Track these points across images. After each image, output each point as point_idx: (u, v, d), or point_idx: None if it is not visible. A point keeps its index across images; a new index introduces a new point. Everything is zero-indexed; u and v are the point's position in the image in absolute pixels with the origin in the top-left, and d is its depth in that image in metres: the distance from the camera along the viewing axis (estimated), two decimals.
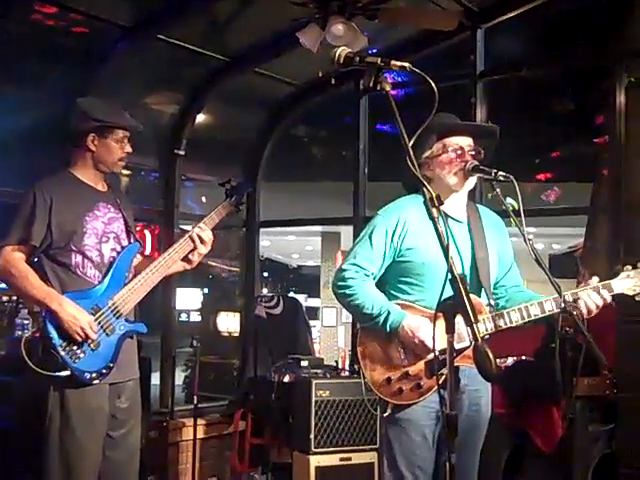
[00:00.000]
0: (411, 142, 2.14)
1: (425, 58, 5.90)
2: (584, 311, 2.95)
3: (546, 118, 11.13)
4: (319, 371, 5.53)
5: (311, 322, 16.90)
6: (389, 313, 2.98)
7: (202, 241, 3.49)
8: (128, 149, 3.43)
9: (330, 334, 15.34)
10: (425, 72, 2.22)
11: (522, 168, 11.49)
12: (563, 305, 2.91)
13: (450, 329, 1.99)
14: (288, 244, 17.46)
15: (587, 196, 7.14)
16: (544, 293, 3.06)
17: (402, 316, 2.97)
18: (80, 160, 3.41)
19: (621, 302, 3.05)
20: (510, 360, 5.01)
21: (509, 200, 2.94)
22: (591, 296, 2.96)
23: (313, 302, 18.63)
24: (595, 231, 6.26)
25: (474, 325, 1.86)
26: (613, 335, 4.56)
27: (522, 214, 2.89)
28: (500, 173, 2.93)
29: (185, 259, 3.53)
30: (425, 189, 2.06)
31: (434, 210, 2.04)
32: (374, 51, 5.69)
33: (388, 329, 2.98)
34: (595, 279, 3.02)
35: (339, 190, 8.32)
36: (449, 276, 1.96)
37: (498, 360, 5.05)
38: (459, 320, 2.05)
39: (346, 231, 10.38)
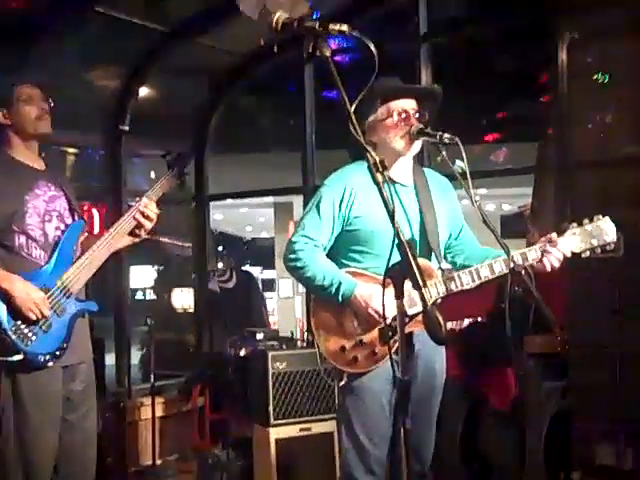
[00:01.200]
0: (353, 107, 2.12)
1: (371, 22, 5.87)
2: (548, 268, 3.01)
3: (491, 78, 11.14)
4: (275, 343, 5.52)
5: (267, 294, 16.97)
6: (340, 283, 2.98)
7: (146, 216, 3.42)
8: (43, 105, 3.31)
9: (287, 305, 15.35)
10: (369, 36, 2.19)
11: (470, 130, 11.49)
12: (512, 265, 2.93)
13: (399, 294, 1.99)
14: (241, 217, 17.37)
15: (535, 155, 7.20)
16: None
17: (353, 285, 2.97)
18: (7, 140, 3.33)
19: (572, 259, 3.08)
20: (466, 322, 5.07)
21: (459, 162, 2.94)
22: (553, 252, 3.00)
23: (269, 274, 18.59)
24: (542, 190, 6.33)
25: (422, 289, 1.86)
26: (560, 293, 4.62)
27: (468, 176, 2.90)
28: (445, 135, 2.94)
29: (132, 233, 3.47)
30: (369, 154, 2.04)
31: (379, 175, 2.03)
32: (317, 16, 5.64)
33: (340, 299, 2.98)
34: (554, 235, 3.05)
35: (289, 160, 8.26)
36: (396, 241, 1.96)
37: (455, 322, 5.11)
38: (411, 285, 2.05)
39: (298, 201, 10.37)
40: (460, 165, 2.94)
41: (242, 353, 5.66)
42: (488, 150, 12.37)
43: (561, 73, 5.31)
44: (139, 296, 13.39)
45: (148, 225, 3.44)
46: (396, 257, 2.07)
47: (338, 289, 2.98)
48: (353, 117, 2.07)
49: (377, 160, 2.02)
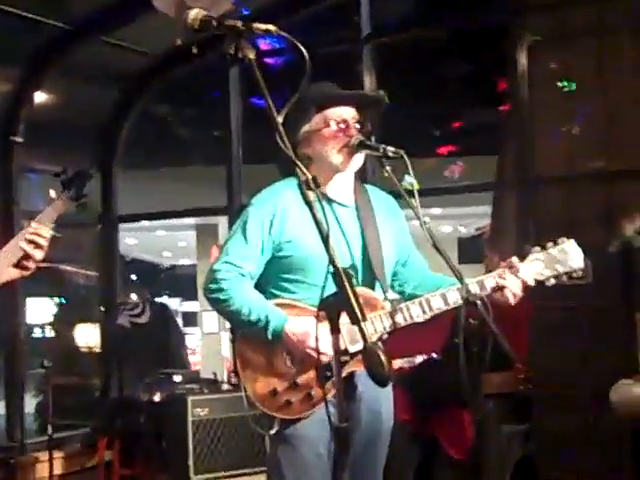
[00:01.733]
0: (281, 116, 2.14)
1: (310, 21, 5.92)
2: (510, 298, 3.05)
3: (445, 84, 11.29)
4: (195, 386, 5.50)
5: (189, 329, 16.73)
6: (269, 318, 2.97)
7: (36, 244, 3.32)
8: None
9: (212, 342, 15.22)
10: (307, 37, 2.23)
11: (421, 141, 11.64)
12: (466, 295, 2.97)
13: (334, 329, 2.01)
14: (158, 241, 17.26)
15: (493, 170, 7.31)
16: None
17: (284, 320, 2.97)
18: None
19: (534, 287, 3.14)
20: (419, 359, 5.10)
21: (408, 178, 2.98)
22: (514, 280, 3.05)
23: (190, 306, 18.48)
24: (501, 209, 6.42)
25: (362, 323, 1.89)
26: (522, 325, 4.70)
27: (416, 194, 2.94)
28: (389, 148, 2.97)
29: (20, 265, 3.38)
30: (299, 170, 2.06)
31: (310, 194, 2.05)
32: (246, 13, 5.67)
33: (270, 336, 2.98)
34: (515, 260, 3.10)
35: (213, 175, 8.26)
36: (331, 269, 1.99)
37: (405, 360, 5.13)
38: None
39: (224, 222, 10.39)
40: (409, 181, 2.97)
41: (157, 398, 5.62)
42: (442, 164, 12.48)
43: (521, 79, 5.41)
44: (37, 333, 13.18)
45: (38, 255, 3.30)
46: (332, 287, 2.10)
47: (267, 325, 2.98)
48: (280, 128, 2.09)
49: (309, 176, 2.04)
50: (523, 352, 4.74)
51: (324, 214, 2.13)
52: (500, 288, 3.06)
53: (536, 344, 4.88)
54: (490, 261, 5.32)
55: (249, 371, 3.07)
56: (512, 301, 3.07)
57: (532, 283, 3.11)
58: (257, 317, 2.99)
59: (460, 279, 2.96)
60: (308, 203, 2.08)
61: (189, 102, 11.77)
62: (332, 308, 2.02)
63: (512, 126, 5.92)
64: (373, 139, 3.12)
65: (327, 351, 2.83)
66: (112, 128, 6.57)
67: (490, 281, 3.09)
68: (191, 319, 17.13)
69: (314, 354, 2.91)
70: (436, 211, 13.47)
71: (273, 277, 3.14)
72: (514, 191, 5.82)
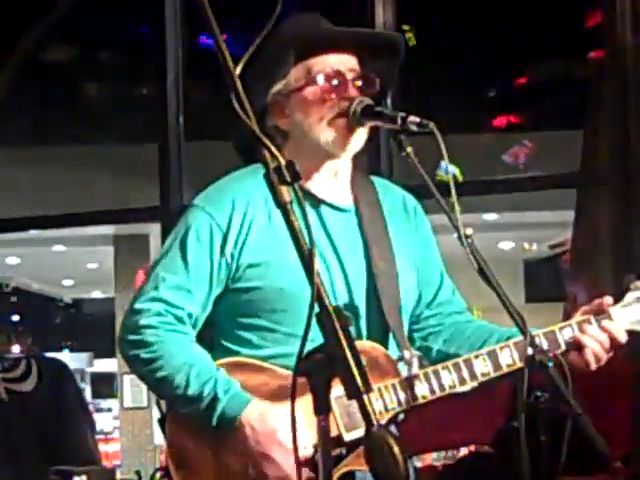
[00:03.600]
0: (239, 67, 2.13)
1: None
2: (591, 362, 3.05)
3: (503, 19, 11.33)
4: None
5: (104, 402, 16.72)
6: (217, 396, 2.95)
7: None
8: None
9: (138, 422, 15.28)
10: None
11: (466, 108, 11.72)
12: (530, 353, 2.95)
13: (320, 406, 1.99)
14: (54, 261, 17.33)
15: (577, 154, 7.34)
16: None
17: (241, 404, 2.95)
18: None
19: (634, 342, 3.13)
20: (462, 452, 5.13)
21: (444, 167, 2.97)
22: (596, 335, 3.05)
23: (105, 365, 18.50)
24: (591, 216, 6.44)
25: (363, 397, 1.87)
26: (618, 402, 4.70)
27: (453, 192, 2.93)
28: (412, 119, 2.96)
29: None
30: (266, 152, 2.05)
31: (284, 190, 2.04)
32: None
33: (214, 423, 2.96)
34: (608, 300, 3.12)
35: (139, 159, 8.31)
36: (316, 309, 1.98)
37: (437, 455, 5.14)
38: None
39: (157, 232, 10.46)
40: (445, 171, 2.97)
41: None
42: (499, 144, 12.57)
43: (621, 12, 5.43)
44: None
45: None
46: (318, 338, 2.08)
47: (213, 405, 2.95)
48: (238, 85, 2.07)
49: (281, 163, 2.02)
50: (622, 443, 4.74)
51: (306, 222, 2.12)
52: (577, 346, 3.05)
53: None
54: (573, 300, 5.33)
55: (186, 471, 3.06)
56: (593, 366, 3.06)
57: (623, 339, 3.09)
58: (198, 391, 2.97)
59: (522, 328, 2.93)
60: (281, 205, 2.07)
61: (102, 43, 11.81)
62: (317, 372, 2.00)
63: (608, 84, 5.94)
64: (388, 103, 3.12)
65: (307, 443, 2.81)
66: None
67: (566, 332, 3.08)
68: (105, 386, 17.18)
69: (283, 466, 2.89)
70: (489, 217, 13.57)
71: (228, 322, 3.15)
72: (611, 187, 5.81)
